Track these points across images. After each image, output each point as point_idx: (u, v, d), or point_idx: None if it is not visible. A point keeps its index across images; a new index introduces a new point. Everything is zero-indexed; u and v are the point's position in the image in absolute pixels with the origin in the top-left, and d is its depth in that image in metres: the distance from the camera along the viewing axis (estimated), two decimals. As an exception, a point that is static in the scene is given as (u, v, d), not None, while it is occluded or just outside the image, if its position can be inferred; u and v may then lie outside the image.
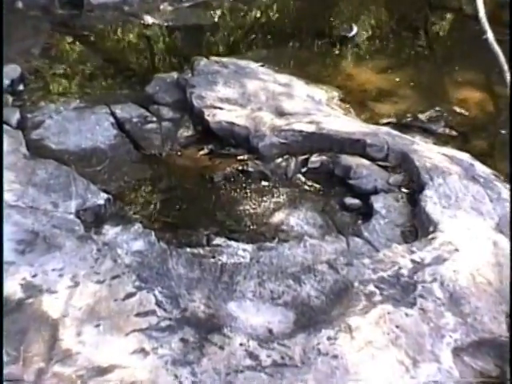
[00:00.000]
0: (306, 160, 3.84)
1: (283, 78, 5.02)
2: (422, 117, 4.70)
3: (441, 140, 4.33)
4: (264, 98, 4.47)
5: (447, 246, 2.65)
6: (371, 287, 2.37)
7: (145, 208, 3.40)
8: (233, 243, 2.96)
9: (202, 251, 2.84)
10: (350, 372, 2.08)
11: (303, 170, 3.81)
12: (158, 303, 2.29)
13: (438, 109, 4.75)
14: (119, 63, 5.51)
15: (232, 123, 4.09)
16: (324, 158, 3.83)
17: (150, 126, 4.22)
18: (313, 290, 2.38)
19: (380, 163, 3.73)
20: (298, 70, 5.36)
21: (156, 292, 2.35)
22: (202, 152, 4.06)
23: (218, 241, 3.01)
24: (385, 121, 4.61)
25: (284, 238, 3.15)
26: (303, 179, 3.75)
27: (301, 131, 3.93)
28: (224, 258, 2.78)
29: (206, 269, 2.52)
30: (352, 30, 6.13)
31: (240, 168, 3.81)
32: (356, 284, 2.40)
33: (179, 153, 4.06)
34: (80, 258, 2.52)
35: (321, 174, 3.79)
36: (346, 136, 3.87)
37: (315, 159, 3.83)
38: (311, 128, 3.97)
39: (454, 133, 4.44)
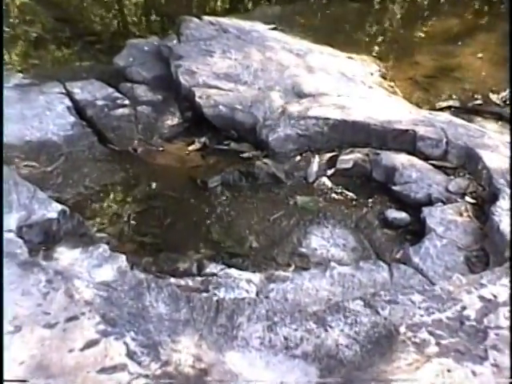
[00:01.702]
0: (334, 159, 3.87)
1: (302, 45, 5.05)
2: (495, 98, 4.71)
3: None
4: (276, 74, 4.50)
5: (529, 278, 2.65)
6: (424, 334, 2.36)
7: (114, 223, 3.42)
8: (233, 272, 2.97)
9: (191, 283, 2.85)
10: None
11: (330, 171, 3.83)
12: (131, 354, 2.29)
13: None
14: (77, 24, 5.54)
15: (233, 108, 4.12)
16: (358, 155, 3.85)
17: (120, 111, 4.26)
18: (342, 336, 2.38)
19: (436, 163, 3.74)
20: (323, 34, 5.40)
21: (127, 339, 2.35)
22: (191, 147, 4.11)
23: (212, 268, 3.02)
24: (444, 104, 4.63)
25: (303, 264, 3.16)
26: (329, 184, 3.76)
27: (326, 119, 3.95)
28: (221, 293, 2.78)
29: (197, 307, 2.51)
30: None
31: (244, 169, 3.84)
32: (402, 329, 2.39)
33: (161, 148, 4.10)
34: (23, 292, 2.51)
35: (354, 178, 3.81)
36: (388, 126, 3.89)
37: (346, 158, 3.85)
38: (341, 115, 3.99)
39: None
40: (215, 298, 2.58)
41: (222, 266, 3.02)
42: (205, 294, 2.69)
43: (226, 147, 4.08)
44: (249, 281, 2.88)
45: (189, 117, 4.30)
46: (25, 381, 2.16)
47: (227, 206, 3.60)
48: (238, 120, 4.10)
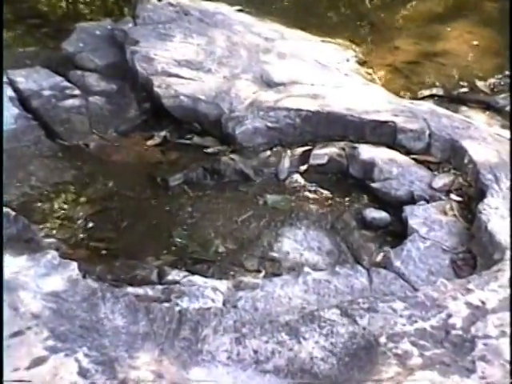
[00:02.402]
0: (307, 153, 3.89)
1: (271, 28, 5.06)
2: (482, 86, 4.77)
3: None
4: (243, 61, 4.50)
5: (520, 282, 2.68)
6: (406, 345, 2.37)
7: (64, 227, 3.39)
8: (197, 279, 2.97)
9: (150, 292, 2.84)
10: None
11: (302, 167, 3.86)
12: (83, 373, 2.26)
13: (507, 73, 4.84)
14: (20, 4, 5.49)
15: (195, 99, 4.12)
16: (334, 150, 3.87)
17: (70, 102, 4.22)
18: (317, 348, 2.38)
19: (418, 157, 3.78)
20: (295, 17, 5.42)
21: (80, 355, 2.32)
22: (150, 142, 4.11)
23: (175, 276, 3.01)
24: (426, 93, 4.67)
25: (274, 270, 3.18)
26: (302, 182, 3.78)
27: (299, 110, 3.97)
28: (184, 302, 2.77)
29: (157, 318, 2.50)
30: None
31: (208, 166, 3.83)
32: (383, 340, 2.40)
33: (116, 143, 4.08)
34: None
35: (329, 174, 3.84)
36: (366, 117, 3.91)
37: (320, 152, 3.87)
38: (314, 105, 4.01)
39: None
40: (177, 309, 2.58)
41: (184, 273, 3.01)
42: (166, 304, 2.67)
43: (188, 142, 4.08)
44: (215, 289, 2.88)
45: (147, 108, 4.29)
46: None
47: (190, 207, 3.60)
48: (201, 112, 4.09)
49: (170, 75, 4.28)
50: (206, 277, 3.02)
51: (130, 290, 2.80)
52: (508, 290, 2.58)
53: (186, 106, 4.11)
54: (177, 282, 2.94)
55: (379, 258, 3.21)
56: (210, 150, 3.98)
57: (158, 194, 3.68)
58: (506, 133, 3.96)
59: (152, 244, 3.33)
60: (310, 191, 3.73)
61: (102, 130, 4.13)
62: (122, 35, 4.71)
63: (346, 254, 3.31)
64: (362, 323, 2.45)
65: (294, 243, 3.36)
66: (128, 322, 2.47)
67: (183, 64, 4.39)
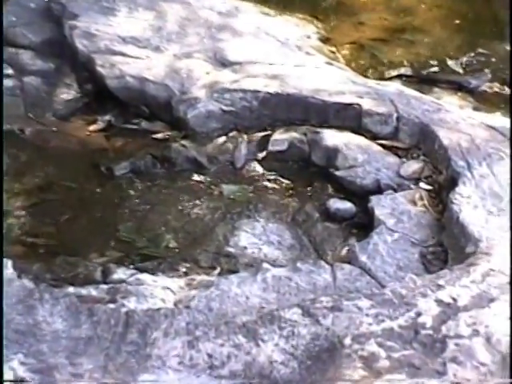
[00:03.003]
0: (266, 139, 3.90)
1: (226, 2, 5.03)
2: (454, 65, 4.81)
3: (485, 103, 4.45)
4: (195, 38, 4.49)
5: (496, 278, 2.69)
6: (373, 346, 2.38)
7: (-5, 221, 3.35)
8: (146, 277, 2.96)
9: (94, 292, 2.82)
10: None
11: (261, 155, 3.86)
12: (19, 382, 2.25)
13: (480, 51, 4.89)
14: None
15: (143, 79, 4.09)
16: (294, 135, 3.88)
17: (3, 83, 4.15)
18: (277, 351, 2.38)
19: (385, 143, 3.81)
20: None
21: (15, 363, 2.29)
22: (93, 127, 4.08)
23: (121, 274, 3.00)
24: (394, 73, 4.70)
25: (230, 267, 3.18)
26: (261, 170, 3.80)
27: (256, 92, 3.97)
28: (131, 303, 2.76)
29: (102, 321, 2.47)
30: None
31: (158, 153, 3.83)
32: (347, 341, 2.41)
33: (55, 128, 4.04)
34: None
35: (289, 162, 3.85)
36: (329, 99, 3.92)
37: (280, 138, 3.88)
38: (273, 86, 4.00)
39: (506, 91, 4.57)
40: (124, 310, 2.56)
41: (132, 271, 3.00)
42: (111, 306, 2.66)
43: (135, 127, 4.06)
44: (165, 288, 2.87)
45: (89, 90, 4.25)
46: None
47: (138, 198, 3.59)
48: (149, 93, 4.07)
49: (114, 53, 4.24)
50: (155, 275, 3.00)
51: (71, 290, 2.78)
52: (481, 286, 2.62)
53: (133, 88, 4.09)
54: (123, 281, 2.92)
55: (344, 252, 3.23)
56: (159, 136, 3.96)
57: (103, 185, 3.66)
58: (479, 115, 4.01)
59: (96, 239, 3.31)
60: (268, 180, 3.74)
61: (39, 113, 4.08)
62: (60, 8, 4.64)
63: (308, 248, 3.33)
64: (325, 323, 2.46)
65: (252, 237, 3.37)
66: (69, 325, 2.45)
67: (129, 41, 4.35)
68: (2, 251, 2.70)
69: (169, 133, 3.98)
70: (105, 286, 2.88)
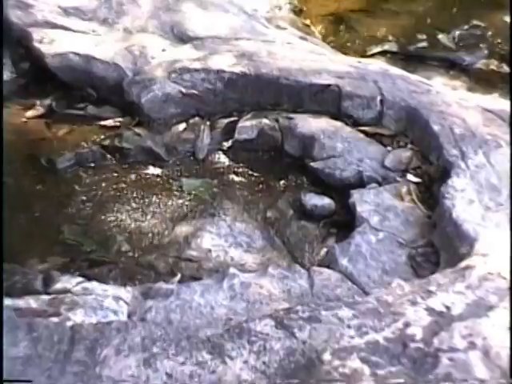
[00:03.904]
0: (232, 126, 3.90)
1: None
2: (445, 39, 4.84)
3: (481, 83, 4.48)
4: (149, 9, 4.47)
5: (494, 282, 2.70)
6: (355, 362, 2.38)
7: None
8: (95, 286, 2.94)
9: (34, 304, 2.79)
10: None
11: (227, 144, 3.87)
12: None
13: (475, 23, 4.92)
14: None
15: (89, 57, 4.08)
16: (265, 121, 3.89)
17: None
18: (247, 369, 2.37)
19: (368, 129, 3.83)
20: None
21: None
22: (31, 112, 4.06)
23: (65, 282, 2.97)
24: (377, 49, 4.71)
25: (193, 273, 3.18)
26: (227, 162, 3.81)
27: (220, 72, 3.97)
28: (78, 316, 2.73)
29: (43, 337, 2.46)
30: None
31: (107, 143, 3.82)
32: (327, 356, 2.41)
33: (-14, 114, 4.01)
34: None
35: (259, 152, 3.86)
36: (304, 80, 3.93)
37: (248, 124, 3.89)
38: (240, 66, 4.01)
39: (504, 69, 4.60)
40: (69, 324, 2.55)
41: (78, 279, 2.97)
42: (54, 319, 2.64)
43: (80, 112, 4.05)
44: (117, 298, 2.85)
45: (25, 70, 4.22)
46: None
47: (85, 195, 3.58)
48: (96, 74, 4.07)
49: (55, 27, 4.22)
50: (105, 283, 2.98)
51: (8, 302, 2.74)
52: (478, 292, 2.63)
53: (77, 67, 4.08)
54: (68, 291, 2.89)
55: (322, 254, 3.26)
56: (108, 123, 3.95)
57: (43, 180, 3.65)
58: (475, 97, 4.03)
59: (36, 243, 3.30)
60: (236, 173, 3.75)
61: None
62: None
63: (282, 250, 3.34)
64: (301, 337, 2.47)
65: (217, 238, 3.37)
66: (5, 342, 2.43)
67: (71, 12, 4.33)
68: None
69: (120, 119, 3.97)
70: (46, 297, 2.85)
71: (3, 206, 3.04)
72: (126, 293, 2.90)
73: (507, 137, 3.51)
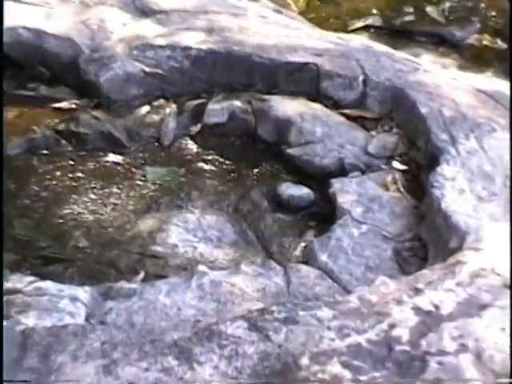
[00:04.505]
0: (201, 109, 3.90)
1: None
2: (434, 13, 4.85)
3: (473, 60, 4.50)
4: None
5: (487, 279, 2.72)
6: (336, 367, 2.38)
7: None
8: (49, 286, 2.91)
9: (-20, 305, 2.79)
10: None
11: (195, 128, 3.87)
12: None
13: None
14: None
15: (41, 32, 4.07)
16: (236, 103, 3.90)
17: None
18: (217, 376, 2.36)
19: (350, 112, 3.84)
20: None
21: None
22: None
23: (16, 282, 2.93)
24: (359, 24, 4.72)
25: (157, 270, 3.18)
26: (195, 148, 3.80)
27: (187, 49, 3.98)
28: (30, 318, 2.70)
29: (-7, 343, 2.47)
30: None
31: (62, 127, 3.80)
32: (305, 361, 2.41)
33: None
34: None
35: (230, 138, 3.87)
36: (278, 57, 3.94)
37: (218, 107, 3.89)
38: (209, 42, 4.02)
39: (499, 45, 4.61)
40: (21, 328, 2.54)
41: (31, 278, 2.94)
42: (4, 323, 2.63)
43: (31, 93, 4.04)
44: (74, 299, 2.83)
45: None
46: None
47: (38, 185, 3.56)
48: (49, 50, 4.06)
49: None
50: (61, 282, 2.96)
51: None
52: (469, 290, 2.65)
53: (28, 43, 4.06)
54: (19, 291, 2.86)
55: (299, 250, 3.26)
56: (63, 105, 3.94)
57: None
58: (466, 76, 4.05)
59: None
60: (204, 161, 3.75)
61: None
62: None
63: (255, 245, 3.34)
64: (276, 340, 2.47)
65: (185, 233, 3.37)
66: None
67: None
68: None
69: (76, 101, 3.96)
70: (-7, 297, 2.84)
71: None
72: (84, 293, 2.88)
73: (502, 120, 3.53)
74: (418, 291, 2.65)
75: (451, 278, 2.68)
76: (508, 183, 3.17)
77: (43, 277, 2.99)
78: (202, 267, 3.04)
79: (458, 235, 2.96)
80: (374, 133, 3.71)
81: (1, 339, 2.38)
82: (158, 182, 3.61)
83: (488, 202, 3.09)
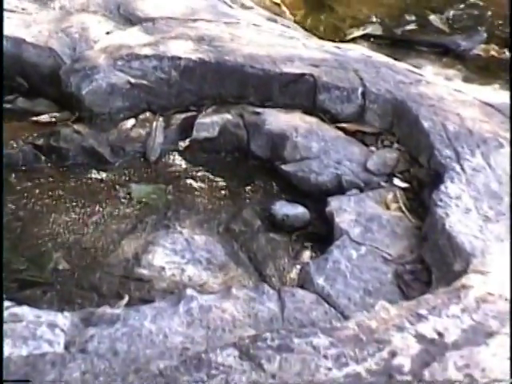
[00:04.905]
0: (190, 123, 3.90)
1: None
2: (437, 21, 4.86)
3: (479, 72, 4.51)
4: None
5: (494, 305, 2.72)
6: (334, 398, 2.40)
7: None
8: (26, 311, 2.89)
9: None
10: None
11: (183, 144, 3.87)
12: None
13: (472, 2, 4.94)
14: None
15: (19, 41, 4.07)
16: (227, 117, 3.90)
17: None
18: (208, 409, 2.38)
19: (348, 126, 3.84)
20: None
21: None
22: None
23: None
24: (358, 33, 4.73)
25: (143, 295, 3.18)
26: (183, 164, 3.81)
27: (175, 59, 3.97)
28: (6, 347, 2.66)
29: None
30: None
31: (42, 142, 3.80)
32: (301, 392, 2.42)
33: None
34: None
35: (221, 153, 3.87)
36: (273, 68, 3.94)
37: (208, 121, 3.89)
38: (198, 51, 4.02)
39: (507, 55, 4.62)
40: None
41: (6, 304, 2.92)
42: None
43: (8, 106, 4.03)
44: (53, 325, 2.82)
45: None
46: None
47: (15, 203, 3.55)
48: (27, 60, 4.07)
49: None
50: (39, 308, 2.94)
51: None
52: (475, 316, 2.64)
53: (5, 52, 4.03)
54: (-8, 319, 2.87)
55: (294, 272, 3.25)
56: (42, 119, 3.93)
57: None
58: (472, 88, 4.05)
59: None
60: (194, 178, 3.75)
61: None
62: None
63: (248, 267, 3.34)
64: (269, 369, 2.47)
65: (172, 254, 3.36)
66: None
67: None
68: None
69: (56, 114, 3.96)
70: (-33, 325, 2.83)
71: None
72: (64, 319, 2.86)
73: (509, 135, 3.52)
74: (420, 317, 2.64)
75: (456, 304, 2.67)
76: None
77: (19, 302, 2.97)
78: (190, 291, 3.02)
79: (463, 257, 2.95)
80: (373, 148, 3.70)
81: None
82: (144, 199, 3.61)
83: (495, 222, 3.08)
